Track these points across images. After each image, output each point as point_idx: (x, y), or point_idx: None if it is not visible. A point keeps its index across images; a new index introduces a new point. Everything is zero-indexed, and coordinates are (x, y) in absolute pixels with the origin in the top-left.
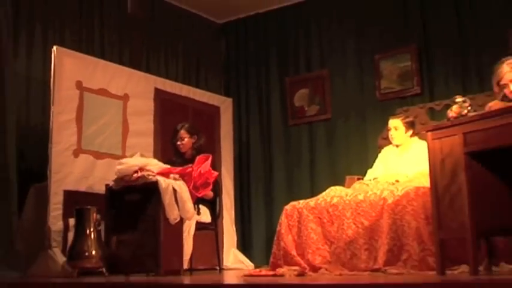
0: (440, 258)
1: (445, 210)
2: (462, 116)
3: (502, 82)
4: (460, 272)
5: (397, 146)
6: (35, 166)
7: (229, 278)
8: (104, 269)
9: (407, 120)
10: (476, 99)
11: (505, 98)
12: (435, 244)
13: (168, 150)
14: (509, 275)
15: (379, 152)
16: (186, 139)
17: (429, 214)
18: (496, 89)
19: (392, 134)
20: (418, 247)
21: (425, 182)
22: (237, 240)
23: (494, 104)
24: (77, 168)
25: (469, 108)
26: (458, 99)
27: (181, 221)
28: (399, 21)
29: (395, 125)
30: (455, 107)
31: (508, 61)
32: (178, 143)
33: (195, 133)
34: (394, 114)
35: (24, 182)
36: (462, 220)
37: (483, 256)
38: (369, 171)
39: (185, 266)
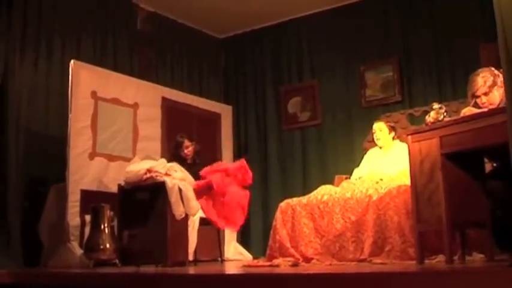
0: (419, 249)
1: (424, 206)
2: (439, 121)
3: (476, 93)
4: (437, 261)
5: (380, 147)
6: (55, 168)
7: (230, 268)
8: (117, 261)
9: (389, 123)
10: (451, 106)
11: (476, 104)
12: (415, 236)
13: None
14: (480, 264)
15: (365, 153)
16: (190, 147)
17: (410, 209)
18: (470, 99)
19: (377, 135)
20: (399, 239)
21: (407, 180)
22: (237, 234)
23: (468, 111)
24: (92, 169)
25: (445, 114)
26: (435, 106)
27: (186, 217)
28: (382, 36)
29: (380, 127)
30: (432, 113)
31: (483, 74)
32: (186, 151)
33: (192, 140)
34: (378, 119)
35: (46, 182)
36: (439, 214)
37: (458, 247)
38: (355, 171)
39: (190, 257)
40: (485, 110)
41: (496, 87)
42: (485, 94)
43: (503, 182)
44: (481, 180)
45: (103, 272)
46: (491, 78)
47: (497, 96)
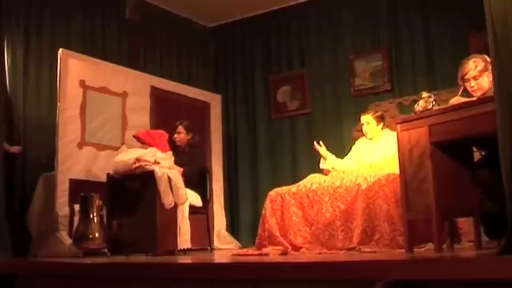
0: (408, 238)
1: (413, 194)
2: (428, 110)
3: (466, 77)
4: (426, 249)
5: (370, 138)
6: (43, 157)
7: (220, 257)
8: (106, 250)
9: (377, 114)
10: (440, 95)
11: (464, 93)
12: (404, 225)
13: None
14: (469, 252)
15: (353, 143)
16: (182, 134)
17: (399, 198)
18: (460, 81)
19: (365, 128)
20: (389, 228)
21: (395, 169)
22: (226, 223)
23: (456, 100)
24: (81, 159)
25: (434, 103)
26: (424, 94)
27: (176, 206)
28: (371, 25)
29: (367, 120)
30: (421, 102)
31: (475, 59)
32: (175, 135)
33: (191, 131)
34: (364, 111)
35: (34, 171)
36: (428, 203)
37: (446, 235)
38: (343, 160)
39: (186, 245)
40: (474, 99)
41: (486, 73)
42: (475, 78)
43: (492, 170)
44: (470, 169)
45: (92, 261)
46: (483, 63)
47: (486, 81)
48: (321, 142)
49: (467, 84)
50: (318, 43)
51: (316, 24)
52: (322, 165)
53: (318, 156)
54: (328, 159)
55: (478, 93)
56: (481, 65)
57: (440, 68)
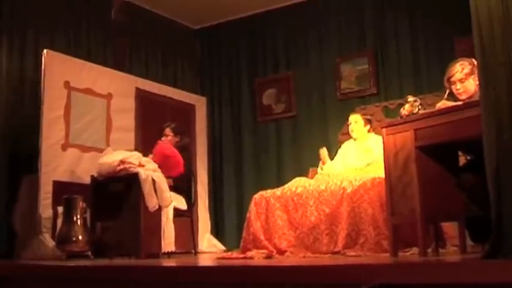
0: (393, 242)
1: (398, 198)
2: (413, 114)
3: (452, 79)
4: (411, 253)
5: (355, 139)
6: (27, 159)
7: (204, 260)
8: (89, 253)
9: (365, 117)
10: (426, 99)
11: (450, 97)
12: (389, 229)
13: (148, 145)
14: (454, 256)
15: (339, 146)
16: (170, 137)
17: (384, 202)
18: (446, 83)
19: (352, 127)
20: (373, 232)
21: (381, 173)
22: (211, 226)
23: (442, 104)
24: (65, 160)
25: (420, 107)
26: (410, 98)
27: (160, 209)
28: (357, 28)
29: (356, 119)
30: (407, 106)
31: (461, 62)
32: (163, 138)
33: (179, 133)
34: (354, 111)
35: (18, 173)
36: (413, 207)
37: (431, 239)
38: (330, 164)
39: (170, 248)
40: (460, 103)
41: (472, 76)
42: (461, 81)
43: (477, 175)
44: (455, 173)
45: (75, 264)
46: (469, 67)
47: (472, 85)
48: (324, 148)
49: (453, 86)
50: (304, 46)
51: (302, 27)
52: (320, 170)
53: (303, 159)
54: (327, 165)
55: (464, 97)
56: (467, 68)
57: (426, 72)
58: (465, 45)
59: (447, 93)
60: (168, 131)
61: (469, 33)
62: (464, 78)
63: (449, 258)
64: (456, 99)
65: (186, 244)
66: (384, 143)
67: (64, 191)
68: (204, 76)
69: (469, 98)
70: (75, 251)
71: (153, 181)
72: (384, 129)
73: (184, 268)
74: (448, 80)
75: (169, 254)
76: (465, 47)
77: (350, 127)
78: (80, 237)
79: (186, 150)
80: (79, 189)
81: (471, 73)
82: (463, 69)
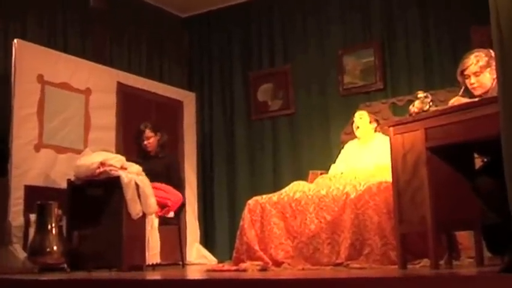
0: (401, 253)
1: (407, 205)
2: (424, 111)
3: (465, 72)
4: (421, 266)
5: (359, 138)
6: None
7: (192, 273)
8: (65, 265)
9: (374, 117)
10: (438, 95)
11: (466, 93)
12: (397, 238)
13: (130, 145)
14: (470, 269)
15: (342, 147)
16: (152, 138)
17: (391, 209)
18: (459, 77)
19: (356, 122)
20: (380, 241)
21: (388, 176)
22: (200, 235)
23: (456, 101)
24: (38, 163)
25: (431, 103)
26: (420, 94)
27: (144, 216)
28: (362, 17)
29: (361, 115)
30: (417, 103)
31: (477, 53)
32: (145, 142)
33: (158, 130)
34: (359, 109)
35: None
36: (423, 214)
37: (444, 250)
38: (333, 167)
39: (155, 260)
40: (476, 99)
41: (489, 69)
42: (475, 74)
43: (494, 178)
44: (470, 177)
45: (49, 278)
46: (486, 58)
47: (488, 79)
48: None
49: (467, 81)
50: (303, 36)
51: (301, 16)
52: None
53: (302, 161)
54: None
55: (479, 92)
56: (483, 60)
57: (439, 65)
58: (482, 35)
59: (463, 89)
60: (148, 132)
61: (487, 21)
62: (479, 72)
63: (464, 271)
64: (472, 96)
65: (173, 255)
66: (391, 143)
67: (37, 197)
68: (192, 69)
69: (485, 93)
70: (49, 263)
71: (137, 185)
72: (391, 128)
73: (171, 282)
74: (462, 73)
75: (154, 266)
76: (483, 37)
77: (355, 123)
78: (55, 248)
79: (166, 147)
80: (54, 195)
81: (487, 66)
82: (478, 61)
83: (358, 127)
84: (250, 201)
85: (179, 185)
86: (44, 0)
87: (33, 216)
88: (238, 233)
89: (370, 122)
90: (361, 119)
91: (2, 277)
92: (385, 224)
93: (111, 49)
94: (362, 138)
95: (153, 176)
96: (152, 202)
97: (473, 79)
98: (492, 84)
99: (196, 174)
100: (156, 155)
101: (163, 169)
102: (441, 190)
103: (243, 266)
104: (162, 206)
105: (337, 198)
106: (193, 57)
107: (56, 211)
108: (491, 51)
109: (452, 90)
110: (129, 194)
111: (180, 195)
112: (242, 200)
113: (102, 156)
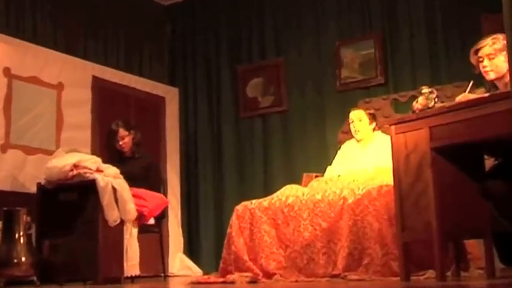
0: (404, 263)
1: (410, 211)
2: (428, 108)
3: (479, 53)
4: (426, 277)
5: (358, 140)
6: None
7: (175, 285)
8: (35, 278)
9: (369, 111)
10: (445, 90)
11: (473, 90)
12: (399, 247)
13: (107, 145)
14: (479, 281)
15: (339, 147)
16: (126, 138)
17: (392, 215)
18: (472, 59)
19: (356, 126)
20: (380, 251)
21: (389, 179)
22: (184, 244)
23: (463, 97)
24: (5, 164)
25: (436, 99)
26: (425, 90)
27: (122, 223)
28: (362, 5)
29: (359, 117)
30: (421, 99)
31: (495, 35)
32: (121, 143)
33: (131, 128)
34: (355, 107)
35: None
36: (428, 221)
37: (451, 260)
38: (329, 169)
39: (134, 271)
40: (486, 95)
41: (504, 53)
42: (489, 57)
43: (507, 181)
44: (479, 180)
45: None
46: (503, 42)
47: (504, 62)
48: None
49: (480, 65)
50: (297, 27)
51: (295, 4)
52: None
53: (295, 163)
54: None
55: (492, 76)
56: (500, 43)
57: (445, 58)
58: (494, 23)
59: (471, 85)
60: (122, 131)
61: (498, 9)
62: (493, 54)
63: (474, 283)
64: (489, 88)
65: (154, 266)
66: (392, 143)
67: (3, 202)
68: (176, 62)
69: (498, 79)
70: (17, 275)
71: (114, 190)
72: (393, 127)
73: None
74: (476, 53)
75: (133, 279)
76: (494, 26)
77: (353, 126)
78: (23, 259)
79: (141, 145)
80: (22, 200)
81: (503, 49)
82: (494, 43)
83: (357, 131)
84: (239, 207)
85: (159, 188)
86: None
87: None
88: (225, 241)
89: (370, 123)
90: (361, 121)
91: None
92: (386, 231)
93: (85, 40)
94: (362, 140)
95: (131, 179)
96: (131, 208)
97: (486, 61)
98: (507, 70)
99: (179, 177)
100: (132, 156)
101: (141, 171)
102: (448, 194)
103: (230, 277)
104: (138, 215)
105: (333, 203)
106: (176, 49)
107: (25, 218)
108: None
109: (460, 86)
110: (106, 199)
111: (162, 197)
112: (230, 206)
113: (76, 158)
